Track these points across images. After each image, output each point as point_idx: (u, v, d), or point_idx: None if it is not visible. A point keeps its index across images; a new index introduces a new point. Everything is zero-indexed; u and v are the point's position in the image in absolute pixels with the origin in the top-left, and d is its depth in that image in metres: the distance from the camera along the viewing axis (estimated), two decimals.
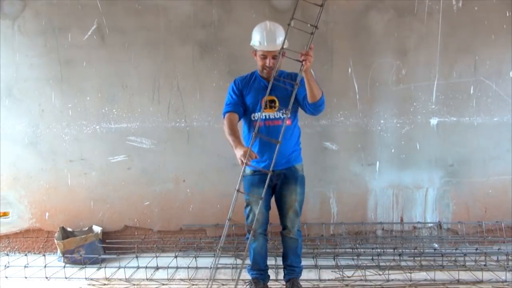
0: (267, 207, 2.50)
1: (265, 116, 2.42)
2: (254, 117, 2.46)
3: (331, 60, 3.37)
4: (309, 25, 2.22)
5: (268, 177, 2.25)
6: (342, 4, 3.33)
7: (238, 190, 2.27)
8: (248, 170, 2.48)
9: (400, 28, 3.35)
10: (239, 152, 2.24)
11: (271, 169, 2.24)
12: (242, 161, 2.21)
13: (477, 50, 3.35)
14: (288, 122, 2.37)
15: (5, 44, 3.40)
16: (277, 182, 2.49)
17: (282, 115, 2.40)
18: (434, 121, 3.41)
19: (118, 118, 3.44)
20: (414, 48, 3.35)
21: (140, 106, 3.44)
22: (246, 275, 2.90)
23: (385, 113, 3.41)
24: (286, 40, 2.31)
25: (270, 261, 2.89)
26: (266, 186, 2.26)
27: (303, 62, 2.18)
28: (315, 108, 2.38)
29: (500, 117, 3.39)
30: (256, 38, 2.39)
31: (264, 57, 2.38)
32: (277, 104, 2.43)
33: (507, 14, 3.32)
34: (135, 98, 3.44)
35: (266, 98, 2.33)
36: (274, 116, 2.43)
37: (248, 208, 2.48)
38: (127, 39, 3.38)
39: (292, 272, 2.58)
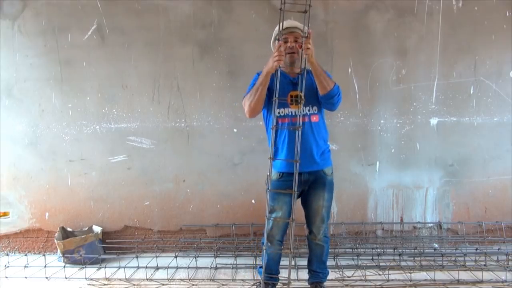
0: (289, 215, 2.36)
1: (291, 112, 2.29)
2: (280, 113, 2.29)
3: (331, 60, 3.37)
4: (301, 32, 2.25)
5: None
6: (342, 4, 3.33)
7: (268, 190, 2.21)
8: (274, 175, 2.34)
9: (400, 28, 3.35)
10: (270, 61, 2.13)
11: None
12: (277, 59, 2.11)
13: (477, 50, 3.35)
14: (315, 118, 2.27)
15: (5, 44, 3.40)
16: (305, 188, 2.35)
17: (309, 111, 2.27)
18: (434, 121, 3.41)
19: (118, 118, 3.44)
20: (414, 48, 3.35)
21: (140, 106, 3.44)
22: (245, 275, 2.91)
23: (385, 113, 3.41)
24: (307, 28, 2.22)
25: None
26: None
27: (304, 55, 2.12)
28: (327, 101, 2.25)
29: (500, 117, 3.39)
30: (277, 29, 2.30)
31: (285, 41, 2.27)
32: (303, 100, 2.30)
33: (507, 14, 3.32)
34: (135, 98, 3.44)
35: (290, 94, 2.25)
36: (300, 112, 2.29)
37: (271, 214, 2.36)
38: (127, 39, 3.38)
39: (316, 276, 2.51)
